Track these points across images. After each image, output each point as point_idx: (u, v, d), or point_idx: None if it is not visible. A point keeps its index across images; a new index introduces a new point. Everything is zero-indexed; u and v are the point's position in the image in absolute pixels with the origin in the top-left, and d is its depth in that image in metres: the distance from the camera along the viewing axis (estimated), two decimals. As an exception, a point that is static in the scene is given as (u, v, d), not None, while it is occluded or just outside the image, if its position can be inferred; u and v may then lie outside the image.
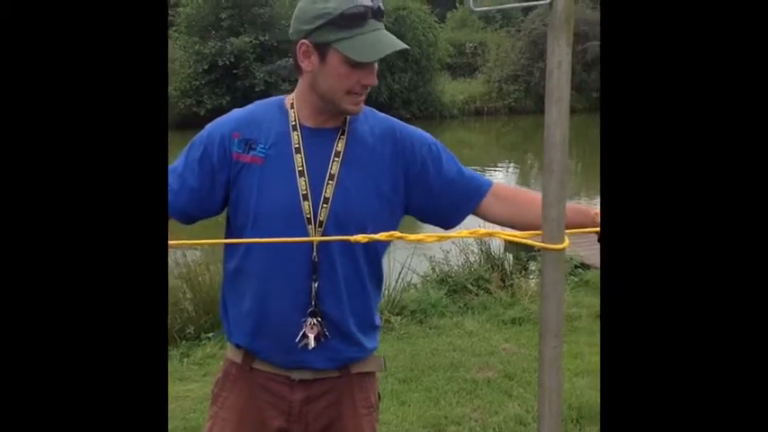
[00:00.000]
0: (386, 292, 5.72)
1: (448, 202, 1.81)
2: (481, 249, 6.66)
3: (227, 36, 20.64)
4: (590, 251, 7.39)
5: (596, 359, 4.63)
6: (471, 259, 6.64)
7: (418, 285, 6.24)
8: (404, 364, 4.55)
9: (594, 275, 6.42)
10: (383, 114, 1.86)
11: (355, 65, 1.64)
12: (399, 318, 5.36)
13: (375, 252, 1.81)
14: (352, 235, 1.68)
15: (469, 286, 6.08)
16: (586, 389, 4.16)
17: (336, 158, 1.73)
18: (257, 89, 19.89)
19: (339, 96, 1.68)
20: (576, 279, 6.42)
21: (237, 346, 1.82)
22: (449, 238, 1.43)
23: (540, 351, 1.26)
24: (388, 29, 1.70)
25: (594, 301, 5.80)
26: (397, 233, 1.44)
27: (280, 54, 20.59)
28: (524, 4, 1.21)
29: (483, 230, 1.46)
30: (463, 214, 1.84)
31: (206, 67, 20.73)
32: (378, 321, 1.90)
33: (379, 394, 1.93)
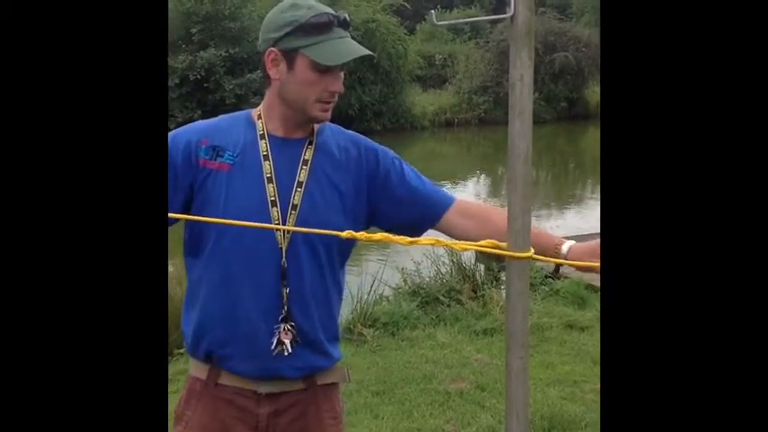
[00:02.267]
0: (358, 305, 5.71)
1: (412, 211, 1.84)
2: (452, 261, 6.67)
3: (198, 50, 20.55)
4: (560, 261, 7.42)
5: (567, 369, 4.66)
6: (443, 270, 6.64)
7: (390, 298, 6.24)
8: (377, 376, 4.54)
9: (565, 285, 6.45)
10: (349, 131, 1.90)
11: (323, 71, 1.69)
12: (372, 330, 5.35)
13: (337, 261, 1.84)
14: (316, 243, 1.73)
15: (441, 298, 6.09)
16: (558, 399, 4.18)
17: (304, 166, 1.76)
18: (228, 102, 19.80)
19: (309, 104, 1.72)
20: (546, 289, 6.45)
21: (205, 357, 1.82)
22: (444, 244, 1.45)
23: (507, 362, 1.27)
24: (357, 41, 1.74)
25: (565, 311, 5.83)
26: (392, 236, 1.44)
27: (250, 67, 20.53)
28: (486, 18, 1.22)
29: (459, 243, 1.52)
30: (427, 225, 1.86)
31: (177, 81, 20.59)
32: (339, 332, 1.93)
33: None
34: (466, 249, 1.46)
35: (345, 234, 1.41)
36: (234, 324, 1.76)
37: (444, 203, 1.84)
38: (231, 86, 20.22)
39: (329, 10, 1.72)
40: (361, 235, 1.43)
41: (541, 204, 13.23)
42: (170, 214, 1.75)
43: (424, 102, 25.49)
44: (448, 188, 15.58)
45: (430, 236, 1.64)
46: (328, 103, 1.74)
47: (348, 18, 1.75)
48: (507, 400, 1.27)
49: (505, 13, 1.16)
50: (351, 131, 1.90)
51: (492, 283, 6.57)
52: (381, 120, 22.88)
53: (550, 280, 6.76)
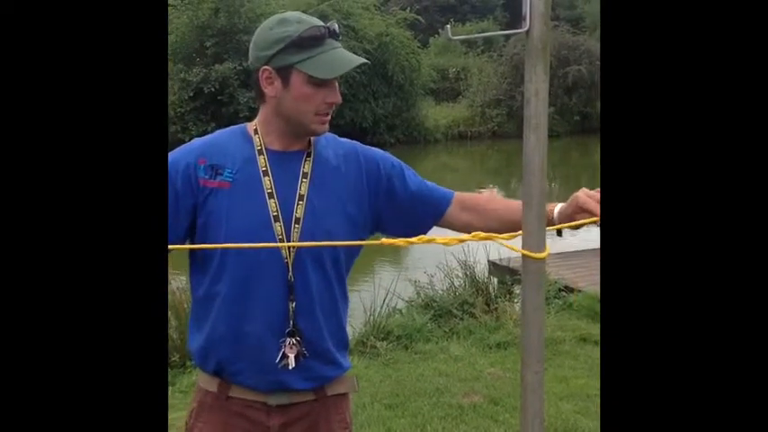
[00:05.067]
0: (371, 317, 5.70)
1: (416, 212, 1.85)
2: (466, 273, 6.65)
3: (212, 63, 20.70)
4: (574, 274, 7.41)
5: (581, 383, 4.63)
6: (456, 284, 6.62)
7: (403, 310, 6.22)
8: (390, 390, 4.52)
9: (579, 298, 6.43)
10: (344, 139, 1.89)
11: (319, 84, 1.68)
12: (385, 343, 5.34)
13: (343, 270, 1.83)
14: (323, 255, 1.72)
15: (454, 311, 6.07)
16: (572, 413, 4.16)
17: (304, 179, 1.75)
18: (241, 115, 19.89)
19: (308, 118, 1.71)
20: (560, 302, 6.43)
21: (214, 372, 1.81)
22: (463, 240, 1.43)
23: (522, 376, 1.27)
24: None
25: (579, 324, 5.81)
26: (425, 237, 1.41)
27: (264, 80, 20.65)
28: (501, 32, 1.23)
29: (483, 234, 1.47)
30: (431, 223, 1.87)
31: (191, 95, 20.77)
32: (348, 341, 1.92)
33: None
34: (494, 240, 1.42)
35: (386, 241, 1.37)
36: (242, 340, 1.75)
37: (446, 200, 1.86)
38: (245, 99, 20.33)
39: (319, 22, 1.71)
40: (401, 241, 1.39)
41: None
42: (177, 245, 1.74)
43: (437, 115, 25.55)
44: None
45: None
46: (326, 115, 1.73)
47: (338, 28, 1.73)
48: (522, 415, 1.27)
49: (520, 27, 1.17)
50: (346, 139, 1.89)
51: (505, 296, 6.56)
52: (395, 132, 22.93)
53: (564, 293, 6.74)
